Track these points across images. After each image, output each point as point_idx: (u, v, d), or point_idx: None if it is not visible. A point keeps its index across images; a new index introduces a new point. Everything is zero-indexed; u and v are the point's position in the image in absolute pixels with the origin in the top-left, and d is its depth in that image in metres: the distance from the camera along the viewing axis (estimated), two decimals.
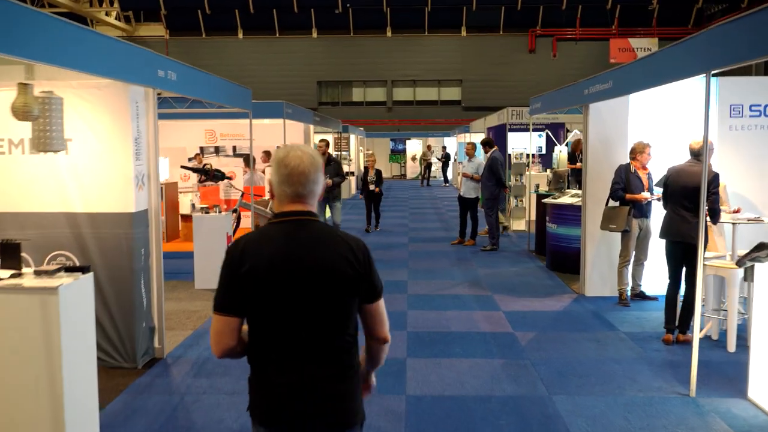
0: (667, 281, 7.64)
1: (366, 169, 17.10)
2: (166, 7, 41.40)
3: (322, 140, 11.09)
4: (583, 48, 41.76)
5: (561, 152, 13.14)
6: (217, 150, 16.99)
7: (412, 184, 36.69)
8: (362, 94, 43.66)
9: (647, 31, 40.76)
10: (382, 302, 2.74)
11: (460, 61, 42.32)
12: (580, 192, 11.71)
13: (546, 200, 11.87)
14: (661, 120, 9.56)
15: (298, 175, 2.60)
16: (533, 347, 7.42)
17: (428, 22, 42.03)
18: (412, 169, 41.15)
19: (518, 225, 16.67)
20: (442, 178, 37.19)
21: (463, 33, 42.50)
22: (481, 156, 14.63)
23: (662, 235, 7.62)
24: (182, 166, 13.53)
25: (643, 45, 39.34)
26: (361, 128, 33.95)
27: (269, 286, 2.54)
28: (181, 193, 15.18)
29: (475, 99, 41.80)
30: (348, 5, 41.14)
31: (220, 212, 10.55)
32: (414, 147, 41.33)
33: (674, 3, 40.24)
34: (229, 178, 12.15)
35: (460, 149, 31.33)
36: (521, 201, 16.48)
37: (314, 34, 42.46)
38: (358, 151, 31.90)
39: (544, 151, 19.85)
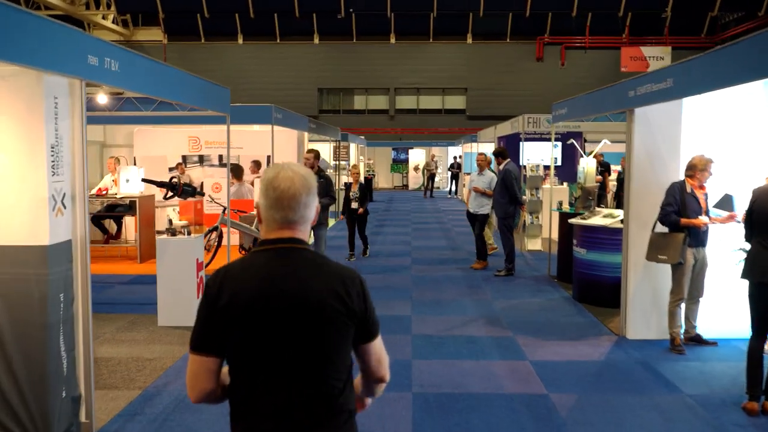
0: (749, 331, 5.89)
1: (348, 184, 14.47)
2: (164, 10, 39.93)
3: (310, 151, 9.16)
4: (592, 56, 40.34)
5: (588, 165, 11.34)
6: (202, 159, 15.25)
7: (414, 195, 34.88)
8: (364, 101, 42.19)
9: (659, 39, 39.20)
10: (379, 340, 2.44)
11: (465, 69, 40.93)
12: (614, 212, 9.93)
13: (573, 220, 10.08)
14: (718, 129, 7.82)
15: (288, 199, 2.32)
16: (577, 419, 5.63)
17: (433, 28, 40.61)
18: (415, 180, 39.34)
19: (533, 244, 14.90)
20: (447, 190, 35.41)
21: (469, 40, 41.07)
22: (492, 168, 12.87)
23: (746, 275, 5.84)
24: (144, 180, 11.79)
25: (656, 54, 37.77)
26: (362, 137, 32.21)
27: (248, 324, 2.24)
28: (158, 207, 13.41)
29: (480, 108, 40.40)
30: (351, 10, 39.60)
31: (189, 233, 8.77)
32: (417, 157, 39.56)
33: (688, 11, 38.68)
34: (202, 194, 10.35)
35: (466, 160, 29.54)
36: (537, 218, 14.70)
37: (316, 40, 41.01)
38: (358, 161, 30.09)
39: (560, 163, 18.09)
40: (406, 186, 40.70)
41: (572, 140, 15.00)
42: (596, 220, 9.70)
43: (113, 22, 39.64)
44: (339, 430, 2.30)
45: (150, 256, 13.27)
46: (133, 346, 7.62)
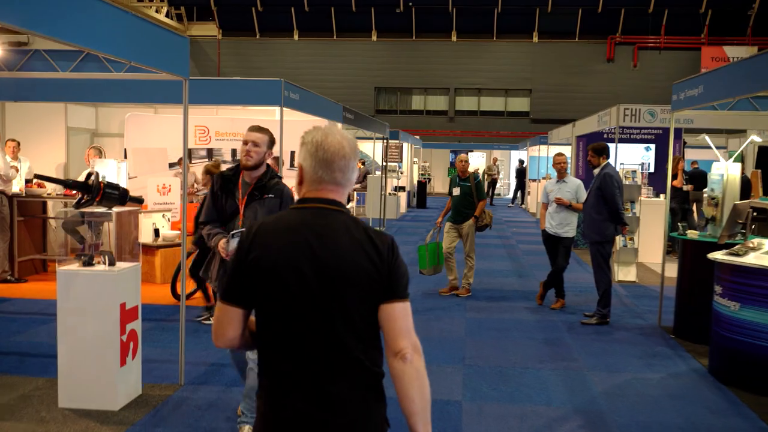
0: None
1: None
2: (216, 3, 37.19)
3: (255, 128, 4.64)
4: (667, 57, 36.13)
5: (729, 172, 7.43)
6: (210, 154, 11.85)
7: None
8: (422, 102, 38.66)
9: (741, 40, 34.68)
10: (405, 305, 2.18)
11: (529, 69, 37.10)
12: None
13: (719, 256, 6.26)
14: None
15: (338, 160, 2.22)
16: None
17: (497, 26, 36.87)
18: None
19: (626, 274, 11.05)
20: (510, 197, 31.45)
21: (535, 39, 37.25)
22: (573, 173, 9.06)
23: None
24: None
25: (740, 54, 33.20)
26: (417, 137, 28.55)
27: (276, 282, 2.15)
28: (145, 212, 10.03)
29: (545, 110, 36.59)
30: (410, 4, 36.12)
31: (111, 263, 5.31)
32: (477, 160, 35.65)
33: None
34: (140, 201, 6.87)
35: (531, 164, 25.59)
36: (631, 239, 10.88)
37: (373, 37, 37.72)
38: (411, 163, 26.36)
39: (652, 169, 14.21)
40: None
41: (704, 135, 11.01)
42: (760, 259, 5.90)
43: (167, 16, 37.18)
44: (358, 388, 2.15)
45: None
46: None
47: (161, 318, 7.98)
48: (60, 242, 10.82)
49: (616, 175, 8.24)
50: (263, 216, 4.42)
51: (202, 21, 38.83)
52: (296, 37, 38.23)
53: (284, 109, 9.85)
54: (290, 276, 2.13)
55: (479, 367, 6.45)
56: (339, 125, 12.14)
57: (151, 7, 35.31)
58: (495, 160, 30.70)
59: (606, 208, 8.04)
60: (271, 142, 4.78)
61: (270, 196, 4.66)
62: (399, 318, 2.15)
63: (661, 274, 8.41)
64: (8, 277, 9.51)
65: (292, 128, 11.77)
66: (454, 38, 37.57)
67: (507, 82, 37.37)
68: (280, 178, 4.86)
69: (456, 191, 9.73)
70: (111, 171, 9.62)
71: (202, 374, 6.07)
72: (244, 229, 3.93)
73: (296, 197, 2.33)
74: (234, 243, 4.38)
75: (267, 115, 11.75)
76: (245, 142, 4.67)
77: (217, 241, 4.66)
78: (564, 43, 36.90)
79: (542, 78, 36.92)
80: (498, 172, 30.35)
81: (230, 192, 4.73)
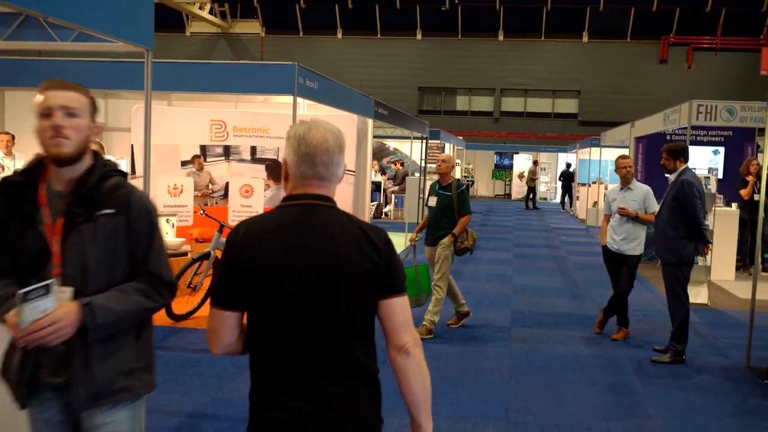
0: None
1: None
2: (259, 0, 36.29)
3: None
4: (724, 59, 34.27)
5: None
6: (228, 152, 10.52)
7: (516, 206, 29.24)
8: (467, 102, 37.19)
9: None
10: (404, 299, 2.14)
11: (578, 70, 35.44)
12: None
13: None
14: None
15: (322, 154, 2.12)
16: None
17: (546, 25, 35.24)
18: (519, 189, 33.68)
19: (696, 296, 9.36)
20: (559, 202, 29.63)
21: (585, 39, 35.61)
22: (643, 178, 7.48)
23: None
24: None
25: None
26: (460, 137, 26.97)
27: (270, 282, 2.06)
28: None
29: (593, 113, 34.91)
30: (456, 2, 34.77)
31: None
32: (522, 163, 33.87)
33: None
34: None
35: (581, 168, 23.81)
36: (702, 256, 9.23)
37: (418, 36, 36.46)
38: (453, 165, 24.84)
39: (721, 175, 12.51)
40: (508, 195, 35.10)
41: None
42: None
43: (210, 13, 36.36)
44: (355, 386, 2.09)
45: None
46: None
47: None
48: None
49: (697, 182, 6.66)
50: (96, 257, 2.41)
51: (246, 18, 38.19)
52: (339, 35, 37.24)
53: (305, 102, 8.59)
54: (286, 275, 2.05)
55: (528, 426, 4.96)
56: (356, 119, 10.74)
57: (194, 3, 34.44)
58: (536, 163, 28.87)
59: (684, 223, 6.48)
60: (93, 107, 2.50)
61: (107, 212, 2.43)
62: (399, 313, 2.12)
63: (750, 301, 6.80)
64: None
65: None
66: (500, 37, 36.11)
67: (555, 82, 35.85)
68: (123, 174, 2.57)
69: (432, 202, 7.33)
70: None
71: (172, 428, 4.69)
72: (52, 286, 2.22)
73: (281, 194, 2.21)
74: (30, 311, 2.21)
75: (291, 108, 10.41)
76: (47, 112, 2.37)
77: (3, 313, 2.34)
78: (615, 43, 35.30)
79: (592, 79, 35.31)
80: (537, 176, 28.44)
81: (26, 214, 2.45)
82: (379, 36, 36.74)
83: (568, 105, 36.33)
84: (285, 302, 2.05)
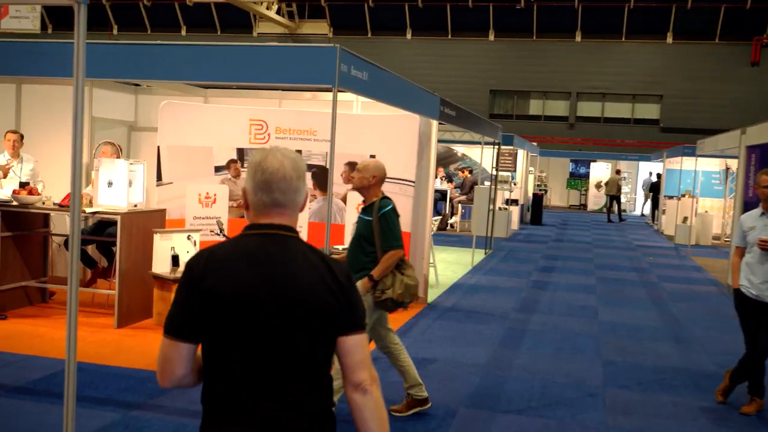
0: None
1: None
2: (327, 0, 35.14)
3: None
4: None
5: None
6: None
7: (594, 218, 27.01)
8: (540, 106, 35.22)
9: None
10: (363, 337, 2.11)
11: (661, 72, 32.99)
12: None
13: None
14: None
15: (278, 181, 2.07)
16: None
17: (627, 24, 33.01)
18: (595, 200, 31.39)
19: None
20: (641, 214, 27.30)
21: (669, 39, 33.24)
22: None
23: None
24: None
25: None
26: (534, 143, 25.01)
27: (233, 311, 1.99)
28: (161, 233, 7.29)
29: (676, 119, 32.50)
30: (532, 1, 32.78)
31: None
32: (599, 171, 31.62)
33: None
34: None
35: (669, 179, 21.52)
36: None
37: (491, 36, 34.74)
38: (526, 172, 22.78)
39: None
40: (583, 206, 32.84)
41: None
42: None
43: (278, 14, 35.40)
44: (322, 425, 2.07)
45: (138, 316, 7.23)
46: None
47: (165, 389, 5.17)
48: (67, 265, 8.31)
49: None
50: None
51: (314, 19, 37.17)
52: (409, 36, 35.85)
53: (359, 99, 7.06)
54: (250, 306, 1.99)
55: None
56: (418, 120, 9.15)
57: (261, 3, 33.51)
58: (619, 172, 26.61)
59: None
60: None
61: None
62: (357, 351, 2.09)
63: None
64: None
65: (368, 125, 8.87)
66: (578, 38, 34.05)
67: (635, 86, 33.52)
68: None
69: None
70: (119, 175, 6.99)
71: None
72: None
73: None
74: None
75: (344, 107, 8.87)
76: None
77: None
78: (702, 44, 32.78)
79: (675, 83, 32.85)
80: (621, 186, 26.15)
81: None
82: (449, 37, 35.17)
83: (649, 110, 33.97)
84: (246, 333, 1.98)
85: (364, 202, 5.01)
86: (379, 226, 4.78)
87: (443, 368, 6.28)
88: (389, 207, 4.85)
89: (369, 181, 4.86)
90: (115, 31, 37.43)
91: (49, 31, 36.70)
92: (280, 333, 1.99)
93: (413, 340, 7.22)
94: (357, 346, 2.08)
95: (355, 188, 4.99)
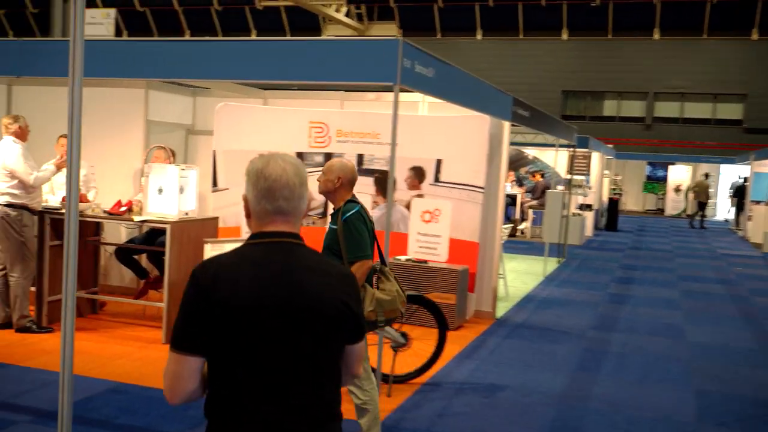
0: None
1: None
2: (396, 1, 34.81)
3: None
4: None
5: None
6: (330, 159, 8.54)
7: (672, 223, 25.68)
8: (615, 107, 33.97)
9: None
10: (363, 344, 2.19)
11: (745, 70, 31.37)
12: None
13: None
14: None
15: (281, 188, 2.02)
16: None
17: (709, 20, 31.50)
18: (674, 204, 29.92)
19: None
20: (724, 220, 25.80)
21: (754, 36, 31.75)
22: None
23: None
24: None
25: None
26: (610, 146, 23.92)
27: (243, 321, 1.94)
28: (212, 242, 6.86)
29: (762, 119, 30.79)
30: None
31: None
32: (677, 174, 30.14)
33: None
34: None
35: (756, 183, 20.18)
36: None
37: (564, 36, 33.74)
38: (601, 176, 21.68)
39: None
40: (660, 210, 31.39)
41: None
42: None
43: (347, 15, 35.17)
44: (321, 426, 2.05)
45: None
46: None
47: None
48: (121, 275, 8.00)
49: None
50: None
51: (383, 20, 36.81)
52: (479, 36, 35.15)
53: (426, 99, 6.52)
54: (262, 317, 1.95)
55: None
56: (488, 121, 8.50)
57: (330, 5, 33.32)
58: (708, 175, 25.10)
59: None
60: None
61: None
62: (358, 355, 2.17)
63: None
64: (28, 324, 6.68)
65: (435, 127, 8.29)
66: (656, 36, 32.72)
67: (716, 85, 31.96)
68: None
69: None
70: (169, 181, 6.60)
71: None
72: None
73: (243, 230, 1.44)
74: None
75: (409, 108, 8.34)
76: None
77: None
78: None
79: (761, 81, 31.18)
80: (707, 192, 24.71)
81: None
82: (521, 36, 34.28)
83: (731, 110, 32.34)
84: (249, 337, 1.94)
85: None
86: (343, 235, 4.17)
87: (513, 397, 5.63)
88: (352, 211, 4.21)
89: (334, 184, 4.26)
90: (187, 36, 37.92)
91: (124, 37, 37.46)
92: (283, 336, 1.96)
93: (480, 362, 6.59)
94: (358, 352, 2.16)
95: (320, 192, 4.41)
